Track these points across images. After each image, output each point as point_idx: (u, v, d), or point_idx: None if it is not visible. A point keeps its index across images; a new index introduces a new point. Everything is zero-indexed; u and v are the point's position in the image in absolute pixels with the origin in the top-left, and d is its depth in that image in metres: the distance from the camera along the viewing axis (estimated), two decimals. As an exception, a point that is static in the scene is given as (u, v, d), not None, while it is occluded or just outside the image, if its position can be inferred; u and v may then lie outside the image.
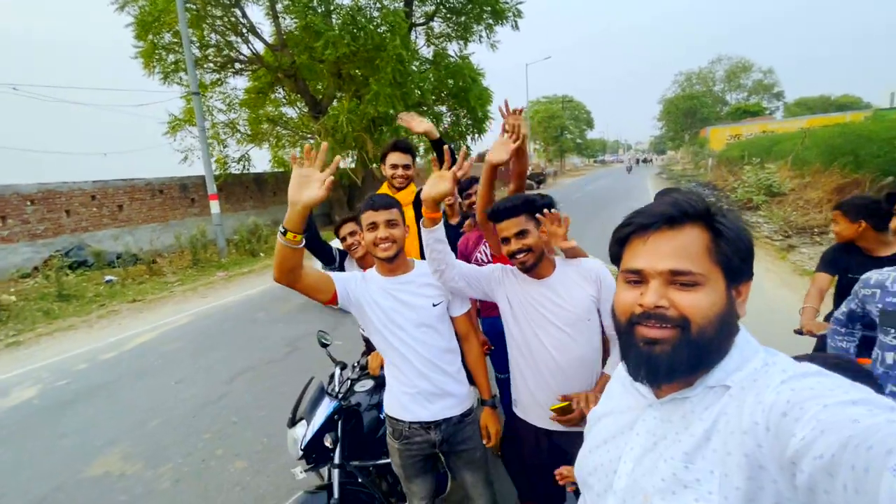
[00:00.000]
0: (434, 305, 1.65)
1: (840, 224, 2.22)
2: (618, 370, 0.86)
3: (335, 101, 13.70)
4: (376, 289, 1.63)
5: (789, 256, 7.23)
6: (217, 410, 3.87)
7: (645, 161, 67.06)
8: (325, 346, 2.21)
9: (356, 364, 2.17)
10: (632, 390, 0.77)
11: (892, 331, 1.42)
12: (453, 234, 2.32)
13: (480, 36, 15.07)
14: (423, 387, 1.63)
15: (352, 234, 2.47)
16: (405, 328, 1.61)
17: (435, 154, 2.37)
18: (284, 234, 1.33)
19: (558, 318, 1.59)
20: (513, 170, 1.95)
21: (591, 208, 15.20)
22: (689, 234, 0.66)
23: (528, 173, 2.70)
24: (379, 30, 11.58)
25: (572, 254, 1.70)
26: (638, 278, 0.68)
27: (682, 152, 49.38)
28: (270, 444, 3.30)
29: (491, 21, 14.72)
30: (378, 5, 12.34)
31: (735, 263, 0.65)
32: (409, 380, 1.63)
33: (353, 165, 13.90)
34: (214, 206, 10.46)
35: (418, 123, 2.33)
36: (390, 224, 1.59)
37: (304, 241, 1.37)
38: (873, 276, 1.59)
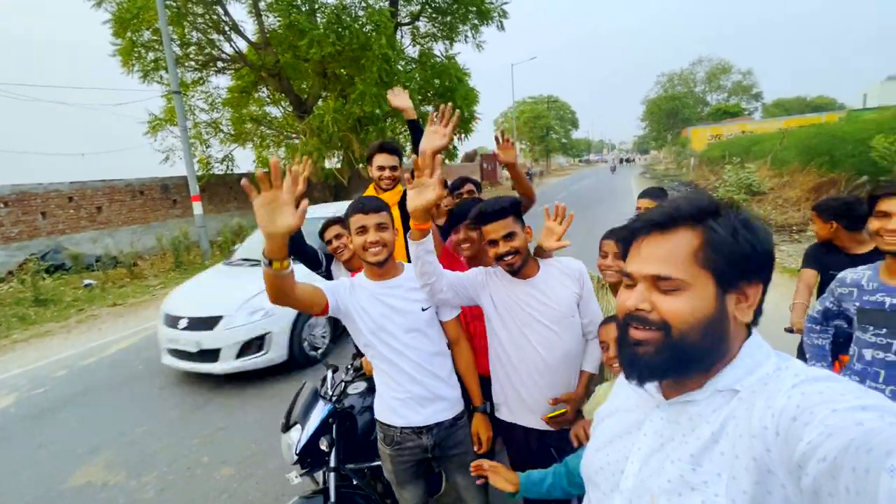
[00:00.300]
0: (423, 310, 1.62)
1: (816, 224, 2.36)
2: None
3: (320, 100, 13.57)
4: (365, 296, 1.60)
5: (770, 254, 7.40)
6: (203, 416, 3.80)
7: (628, 161, 68.15)
8: (316, 349, 2.18)
9: (349, 366, 2.15)
10: (640, 390, 0.77)
11: (871, 328, 1.45)
12: (441, 235, 2.32)
13: (466, 36, 15.09)
14: (415, 391, 1.60)
15: (337, 236, 2.42)
16: (395, 334, 1.58)
17: (411, 137, 2.36)
18: (270, 264, 1.22)
19: (545, 316, 1.60)
20: (514, 180, 2.02)
21: (576, 208, 15.21)
22: (678, 239, 0.65)
23: (475, 180, 2.78)
24: (364, 29, 11.50)
25: (548, 254, 1.70)
26: (631, 281, 0.70)
27: (664, 152, 50.24)
28: (259, 449, 3.24)
29: (476, 21, 14.75)
30: (363, 4, 12.27)
31: (726, 267, 0.63)
32: (400, 385, 1.60)
33: (339, 166, 13.79)
34: (197, 207, 10.25)
35: (395, 98, 2.31)
36: (380, 227, 1.55)
37: (291, 265, 1.27)
38: (848, 275, 1.63)
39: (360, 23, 11.58)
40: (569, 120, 57.49)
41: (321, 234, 2.48)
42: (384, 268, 1.60)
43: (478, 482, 1.28)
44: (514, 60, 32.93)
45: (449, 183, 2.94)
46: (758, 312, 0.67)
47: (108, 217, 10.91)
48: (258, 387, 4.21)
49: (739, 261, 0.63)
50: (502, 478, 1.23)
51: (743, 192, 12.45)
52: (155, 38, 11.68)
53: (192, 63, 13.14)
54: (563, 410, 1.62)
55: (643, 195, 2.70)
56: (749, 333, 0.67)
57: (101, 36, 11.91)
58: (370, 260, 1.55)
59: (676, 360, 0.65)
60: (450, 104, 1.69)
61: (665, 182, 21.89)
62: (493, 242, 1.57)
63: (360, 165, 12.64)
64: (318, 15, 11.69)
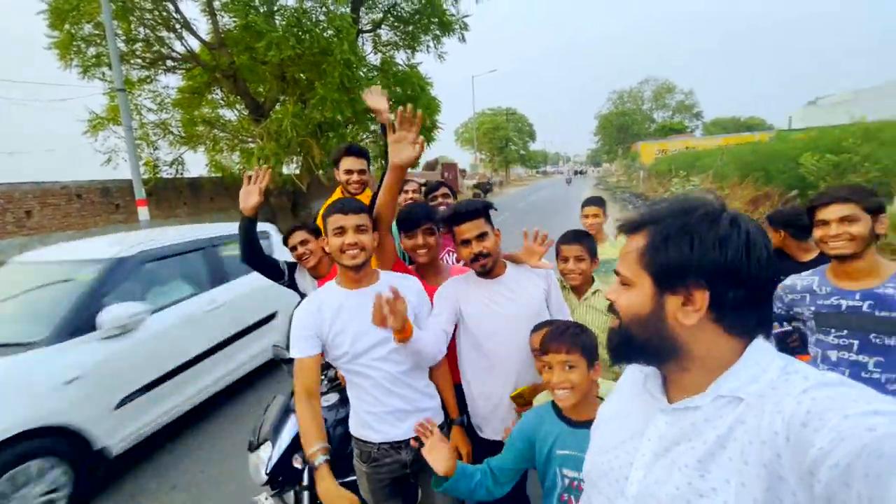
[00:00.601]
0: None
1: (768, 233, 2.52)
2: (629, 369, 0.86)
3: (278, 104, 13.20)
4: (338, 309, 1.49)
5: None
6: (146, 441, 3.51)
7: (581, 173, 71.06)
8: (282, 360, 2.07)
9: (322, 377, 2.05)
10: (643, 393, 0.77)
11: (833, 331, 1.54)
12: None
13: (428, 46, 15.24)
14: (393, 404, 1.54)
15: (303, 242, 2.33)
16: (371, 351, 1.50)
17: (384, 141, 2.25)
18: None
19: (516, 313, 1.61)
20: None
21: (535, 217, 15.69)
22: (635, 240, 0.72)
23: (476, 182, 2.77)
24: (325, 34, 11.33)
25: (520, 260, 1.72)
26: None
27: (616, 165, 52.73)
28: (210, 474, 3.03)
29: (438, 32, 14.94)
30: (324, 9, 12.11)
31: (658, 270, 0.67)
32: (377, 399, 1.53)
33: (297, 171, 13.42)
34: (143, 212, 9.61)
35: (371, 97, 2.05)
36: (359, 229, 1.47)
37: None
38: (797, 282, 1.71)
39: (321, 27, 11.41)
40: (526, 132, 59.20)
41: (285, 240, 2.39)
42: (360, 273, 1.52)
43: (412, 442, 1.24)
44: (475, 72, 33.63)
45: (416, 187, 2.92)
46: (748, 320, 0.65)
47: (39, 222, 10.02)
48: (203, 410, 3.96)
49: (671, 265, 0.66)
50: (441, 457, 1.18)
51: (689, 203, 13.24)
52: (97, 32, 10.96)
53: (139, 60, 12.42)
54: (527, 388, 1.60)
55: (587, 203, 3.08)
56: (748, 340, 0.67)
57: (36, 27, 11.04)
58: (347, 263, 1.47)
59: (623, 346, 0.73)
60: (410, 105, 1.56)
61: (617, 193, 22.93)
62: (466, 242, 1.58)
63: (321, 172, 12.38)
64: (278, 17, 11.42)
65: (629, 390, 0.83)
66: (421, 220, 1.80)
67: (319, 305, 1.52)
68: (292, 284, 2.50)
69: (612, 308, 0.76)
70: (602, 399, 1.31)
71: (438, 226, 1.82)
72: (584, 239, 2.02)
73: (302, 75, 12.19)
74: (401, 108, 1.55)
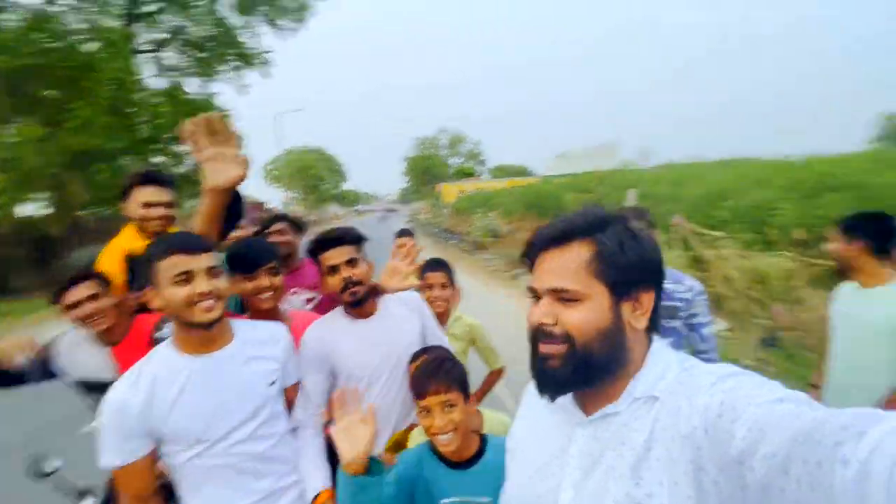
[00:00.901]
0: (271, 384, 1.27)
1: None
2: (532, 392, 0.83)
3: (11, 125, 10.07)
4: (179, 394, 1.13)
5: (517, 283, 9.25)
6: None
7: (393, 211, 74.89)
8: (46, 475, 1.50)
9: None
10: (555, 410, 0.73)
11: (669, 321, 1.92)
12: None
13: (227, 76, 14.11)
14: (265, 487, 1.23)
15: (92, 297, 1.66)
16: (233, 433, 1.18)
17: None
18: None
19: (395, 354, 1.51)
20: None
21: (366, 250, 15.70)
22: (573, 252, 0.66)
23: (291, 218, 2.53)
24: (87, 46, 9.31)
25: (383, 291, 1.63)
26: (534, 296, 0.70)
27: (424, 204, 57.57)
28: None
29: (239, 63, 14.00)
30: (83, 17, 9.97)
31: (617, 277, 0.65)
32: (244, 487, 1.21)
33: (48, 211, 10.35)
34: None
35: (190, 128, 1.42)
36: (212, 273, 1.14)
37: None
38: None
39: (81, 38, 9.35)
40: (337, 172, 59.72)
41: (57, 298, 1.66)
42: (214, 330, 1.16)
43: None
44: (283, 109, 32.31)
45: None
46: (657, 319, 0.69)
47: None
48: None
49: (629, 270, 0.65)
50: (356, 440, 1.00)
51: (489, 235, 15.32)
52: None
53: None
54: (399, 433, 1.51)
55: (399, 234, 3.27)
56: (650, 340, 0.70)
57: None
58: (200, 319, 1.11)
59: (582, 371, 0.65)
60: (214, 113, 1.32)
61: (428, 228, 24.92)
62: (334, 269, 1.43)
63: (84, 212, 9.83)
64: (7, 17, 8.87)
65: (536, 412, 0.79)
66: (263, 259, 1.53)
67: (151, 384, 1.13)
68: (48, 375, 1.73)
69: (541, 331, 0.68)
70: (480, 435, 1.24)
71: (280, 264, 1.59)
72: (445, 266, 2.10)
73: (52, 92, 9.65)
74: (204, 116, 1.28)
